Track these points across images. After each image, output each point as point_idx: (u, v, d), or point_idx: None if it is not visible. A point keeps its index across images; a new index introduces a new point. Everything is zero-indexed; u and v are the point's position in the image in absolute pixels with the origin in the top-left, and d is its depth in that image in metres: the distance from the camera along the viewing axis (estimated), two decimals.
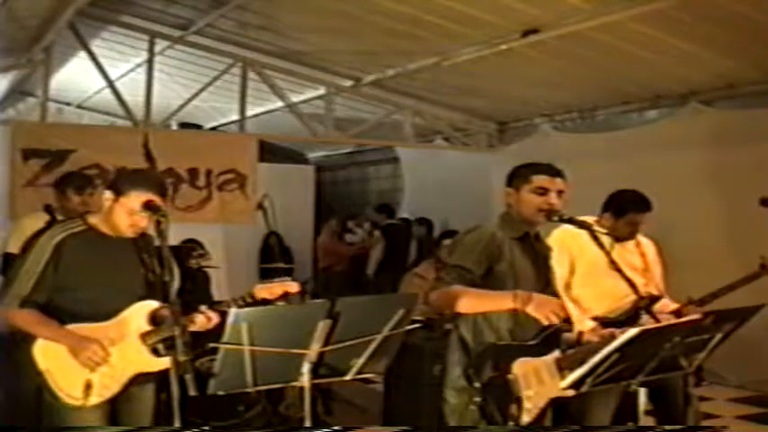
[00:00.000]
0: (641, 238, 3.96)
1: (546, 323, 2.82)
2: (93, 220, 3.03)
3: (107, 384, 2.87)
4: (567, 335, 3.11)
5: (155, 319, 2.96)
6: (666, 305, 3.90)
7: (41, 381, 2.86)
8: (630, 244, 3.90)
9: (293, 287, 3.12)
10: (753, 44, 5.52)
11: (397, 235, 9.79)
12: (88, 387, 2.83)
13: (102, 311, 2.91)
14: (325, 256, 10.03)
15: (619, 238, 3.84)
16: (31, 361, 2.88)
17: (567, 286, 3.78)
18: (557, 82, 7.14)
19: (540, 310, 2.82)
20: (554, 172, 3.03)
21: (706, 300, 3.79)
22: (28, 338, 2.90)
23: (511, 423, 2.75)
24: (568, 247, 3.62)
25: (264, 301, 3.06)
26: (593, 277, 3.59)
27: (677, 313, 3.69)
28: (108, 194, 2.95)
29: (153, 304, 2.97)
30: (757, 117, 6.19)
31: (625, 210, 3.83)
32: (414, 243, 9.85)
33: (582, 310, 3.69)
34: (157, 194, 2.94)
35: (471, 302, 2.91)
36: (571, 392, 2.73)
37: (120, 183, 2.97)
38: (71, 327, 2.89)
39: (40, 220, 4.58)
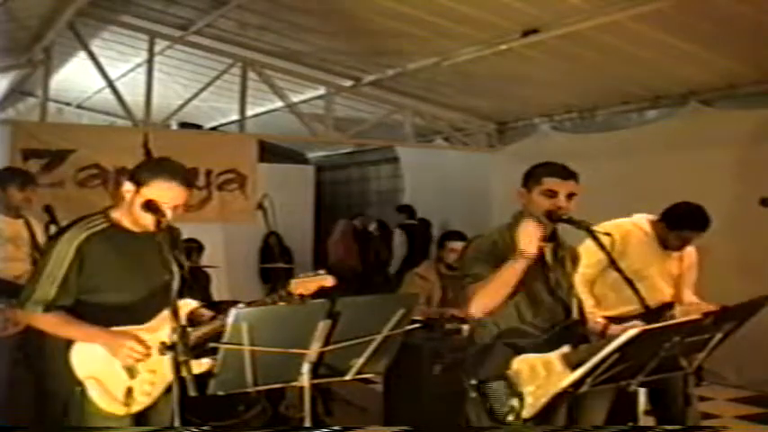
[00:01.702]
0: None
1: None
2: (116, 215, 2.85)
3: (148, 391, 2.76)
4: (592, 325, 3.17)
5: (192, 319, 2.85)
6: (700, 305, 3.91)
7: (81, 390, 2.72)
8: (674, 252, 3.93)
9: (328, 281, 3.05)
10: (753, 44, 5.52)
11: (418, 235, 9.79)
12: (129, 393, 2.73)
13: (134, 314, 2.78)
14: (334, 254, 10.13)
15: (667, 246, 3.88)
16: (69, 370, 2.73)
17: (591, 282, 3.79)
18: (557, 82, 7.14)
19: (528, 235, 2.85)
20: (566, 174, 2.99)
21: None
22: (60, 346, 2.76)
23: (510, 418, 2.75)
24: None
25: (302, 297, 3.01)
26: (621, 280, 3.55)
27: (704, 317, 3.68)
28: (128, 186, 2.78)
29: (191, 303, 2.86)
30: (757, 117, 6.20)
31: (680, 225, 3.82)
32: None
33: (601, 308, 3.70)
34: (182, 183, 2.78)
35: (488, 287, 2.90)
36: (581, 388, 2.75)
37: (141, 172, 2.80)
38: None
39: None
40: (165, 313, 2.75)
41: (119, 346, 2.70)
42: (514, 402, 2.76)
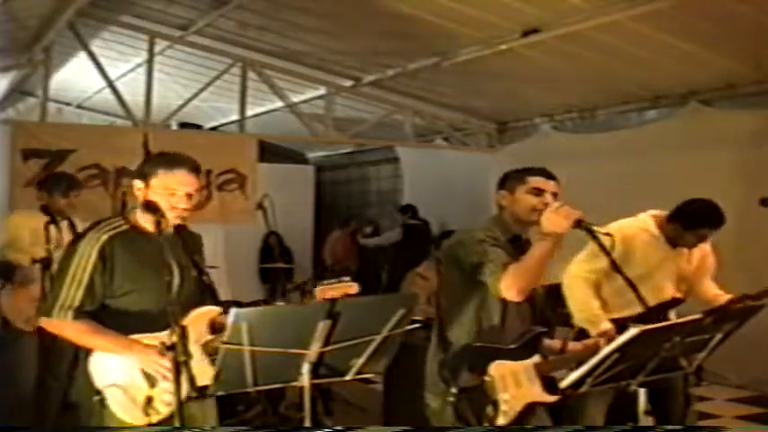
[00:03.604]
0: None
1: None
2: (135, 217, 2.80)
3: (168, 400, 2.63)
4: (550, 342, 3.11)
5: (214, 326, 2.77)
6: (718, 296, 3.87)
7: (100, 400, 2.66)
8: (684, 249, 3.87)
9: (353, 288, 2.97)
10: (753, 44, 5.52)
11: (420, 235, 9.78)
12: (149, 403, 2.65)
13: (158, 318, 2.65)
14: (334, 254, 10.14)
15: (677, 245, 3.82)
16: (87, 379, 2.67)
17: (597, 285, 3.76)
18: (557, 82, 7.14)
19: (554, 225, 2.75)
20: (548, 174, 3.04)
21: (762, 295, 3.73)
22: (80, 353, 2.72)
23: (486, 424, 2.75)
24: (612, 249, 3.56)
25: None
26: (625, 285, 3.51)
27: (730, 305, 3.67)
28: (138, 184, 2.73)
29: (214, 310, 2.79)
30: (757, 117, 6.20)
31: (698, 224, 3.74)
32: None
33: (607, 310, 3.68)
34: (188, 169, 2.75)
35: (522, 268, 2.81)
36: (552, 398, 2.78)
37: (145, 167, 2.76)
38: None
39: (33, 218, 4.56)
40: (191, 316, 2.72)
41: (151, 362, 2.63)
42: (488, 410, 2.76)
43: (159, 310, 2.67)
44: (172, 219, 2.74)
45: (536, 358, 2.93)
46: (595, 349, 2.96)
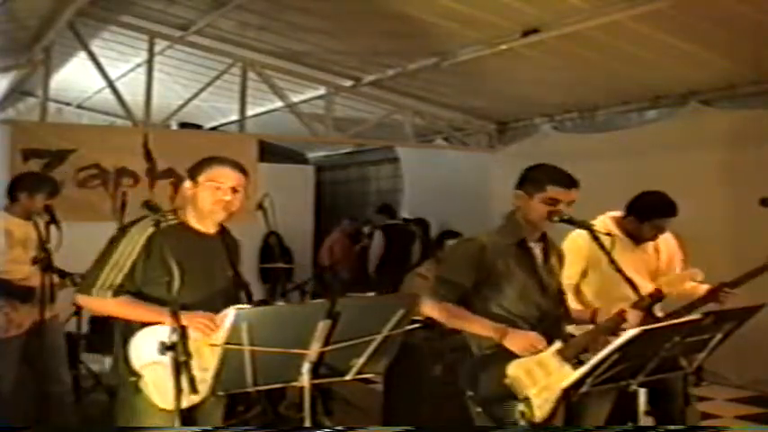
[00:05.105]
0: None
1: (523, 356, 2.88)
2: (186, 214, 2.99)
3: (198, 389, 2.65)
4: (579, 314, 3.20)
5: None
6: (695, 287, 3.89)
7: (136, 381, 2.76)
8: (649, 245, 3.88)
9: None
10: (753, 44, 5.52)
11: (398, 235, 9.76)
12: (179, 389, 2.66)
13: (189, 309, 2.75)
14: (332, 255, 10.10)
15: (639, 240, 3.83)
16: (126, 361, 2.80)
17: (577, 289, 3.77)
18: (557, 82, 7.14)
19: (515, 344, 2.88)
20: (570, 183, 2.99)
21: (740, 281, 3.76)
22: (124, 335, 2.84)
23: (523, 423, 2.75)
24: (584, 250, 3.59)
25: None
26: (610, 281, 3.46)
27: (710, 294, 3.70)
28: (188, 184, 2.97)
29: (245, 307, 2.84)
30: (757, 117, 6.20)
31: (650, 215, 3.78)
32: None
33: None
34: (232, 167, 2.99)
35: (459, 324, 3.03)
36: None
37: (194, 168, 2.99)
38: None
39: None
40: (224, 313, 2.73)
41: (190, 319, 2.70)
42: (522, 407, 2.76)
43: (195, 305, 2.80)
44: (217, 213, 2.93)
45: (557, 344, 2.93)
46: (621, 319, 2.98)
